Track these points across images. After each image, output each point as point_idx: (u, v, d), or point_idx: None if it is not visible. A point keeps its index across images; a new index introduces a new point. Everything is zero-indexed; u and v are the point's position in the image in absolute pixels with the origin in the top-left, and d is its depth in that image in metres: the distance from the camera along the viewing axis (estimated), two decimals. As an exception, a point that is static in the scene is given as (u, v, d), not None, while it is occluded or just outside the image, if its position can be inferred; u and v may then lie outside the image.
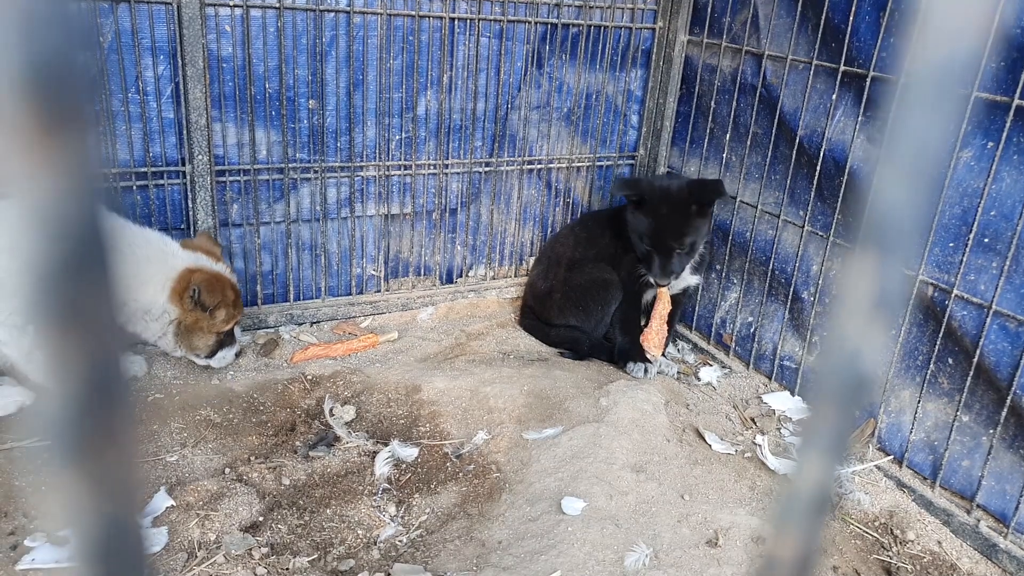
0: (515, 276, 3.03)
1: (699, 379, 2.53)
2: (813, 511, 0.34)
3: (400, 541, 1.73)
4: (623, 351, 2.59)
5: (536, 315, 2.79)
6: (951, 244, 1.95)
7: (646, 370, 2.50)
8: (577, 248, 2.76)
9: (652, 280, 2.50)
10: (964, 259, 1.90)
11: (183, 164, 2.33)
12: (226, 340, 2.29)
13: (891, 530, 1.94)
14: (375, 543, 1.72)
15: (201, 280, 2.15)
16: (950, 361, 1.99)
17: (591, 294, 2.65)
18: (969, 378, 1.91)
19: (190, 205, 2.37)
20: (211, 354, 2.27)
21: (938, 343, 1.99)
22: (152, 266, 2.13)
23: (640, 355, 2.55)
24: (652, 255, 2.46)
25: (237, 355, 2.38)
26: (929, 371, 2.02)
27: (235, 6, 2.25)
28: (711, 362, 2.71)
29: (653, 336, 2.60)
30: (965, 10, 0.28)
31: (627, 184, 2.48)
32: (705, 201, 2.40)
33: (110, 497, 0.27)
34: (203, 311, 2.17)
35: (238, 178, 2.43)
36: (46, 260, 0.23)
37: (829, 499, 0.34)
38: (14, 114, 0.22)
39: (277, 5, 2.29)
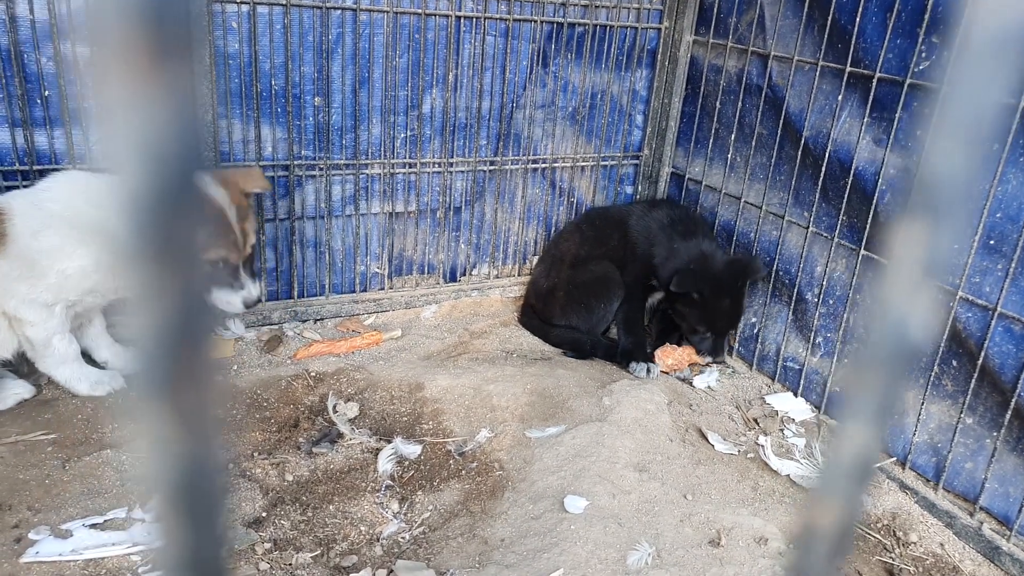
0: (519, 275, 3.03)
1: (693, 386, 2.52)
2: (855, 480, 0.34)
3: (403, 538, 1.74)
4: (626, 351, 2.59)
5: (537, 314, 2.79)
6: (956, 246, 1.95)
7: (649, 370, 2.50)
8: (583, 246, 2.76)
9: (705, 356, 2.58)
10: (969, 261, 1.90)
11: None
12: (220, 277, 1.97)
13: (894, 532, 1.94)
14: (378, 540, 1.72)
15: None
16: (954, 363, 1.99)
17: (594, 292, 2.65)
18: (973, 380, 1.91)
19: (195, 201, 2.37)
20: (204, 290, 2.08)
21: (942, 345, 1.99)
22: (102, 184, 1.98)
23: (643, 355, 2.55)
24: (707, 339, 2.54)
25: (250, 306, 2.04)
26: (933, 373, 2.02)
27: (242, 3, 2.25)
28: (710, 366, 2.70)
29: (678, 356, 2.62)
30: None
31: (686, 282, 2.45)
32: (748, 280, 2.50)
33: (192, 432, 0.27)
34: None
35: (243, 175, 2.43)
36: (145, 189, 0.23)
37: (871, 468, 0.34)
38: (121, 42, 0.22)
39: (284, 2, 2.29)
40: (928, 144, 0.31)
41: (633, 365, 2.52)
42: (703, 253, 2.53)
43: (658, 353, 2.59)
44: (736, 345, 2.69)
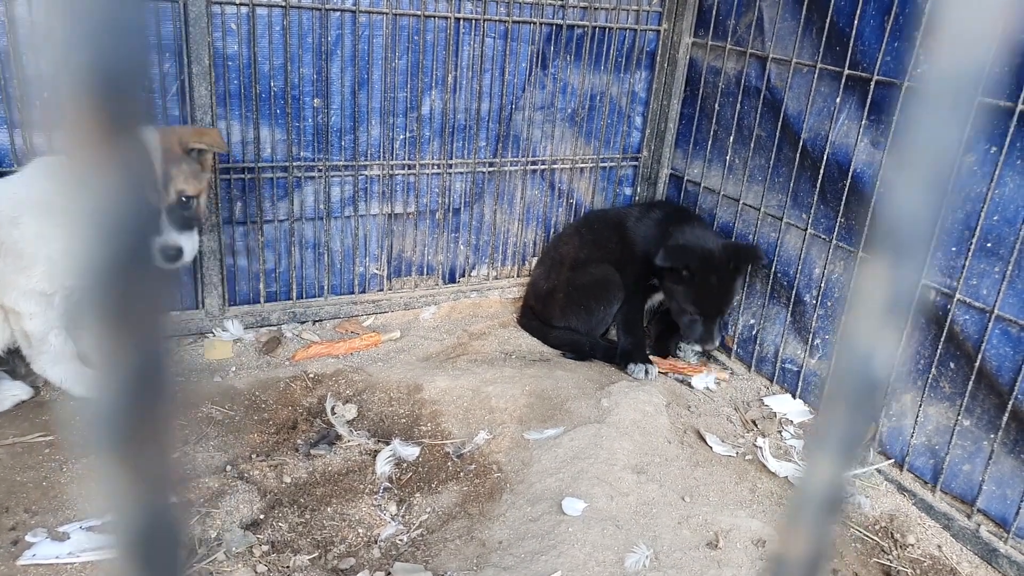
0: (518, 276, 3.03)
1: (691, 387, 2.52)
2: (823, 513, 0.35)
3: (401, 540, 1.74)
4: (625, 352, 2.60)
5: (537, 315, 2.79)
6: (954, 248, 1.95)
7: (647, 371, 2.50)
8: (583, 249, 2.76)
9: (698, 344, 2.57)
10: (967, 264, 1.90)
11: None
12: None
13: (891, 534, 1.94)
14: (376, 542, 1.72)
15: None
16: (952, 365, 1.99)
17: (594, 294, 2.65)
18: (971, 383, 1.91)
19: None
20: None
21: (940, 347, 1.99)
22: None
23: (642, 356, 2.56)
24: (697, 322, 2.50)
25: (168, 257, 1.90)
26: (931, 375, 2.02)
27: (241, 4, 2.25)
28: (707, 367, 2.71)
29: (681, 366, 2.62)
30: (982, 16, 0.28)
31: (674, 254, 2.44)
32: (742, 266, 2.46)
33: (151, 487, 0.28)
34: None
35: (242, 176, 2.44)
36: (99, 257, 0.24)
37: (840, 501, 0.35)
38: (80, 114, 0.22)
39: (283, 4, 2.29)
40: (890, 182, 0.31)
41: (632, 366, 2.52)
42: (696, 235, 2.54)
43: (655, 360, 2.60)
44: (735, 347, 2.70)
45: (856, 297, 0.33)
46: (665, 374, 2.57)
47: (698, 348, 2.69)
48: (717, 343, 2.54)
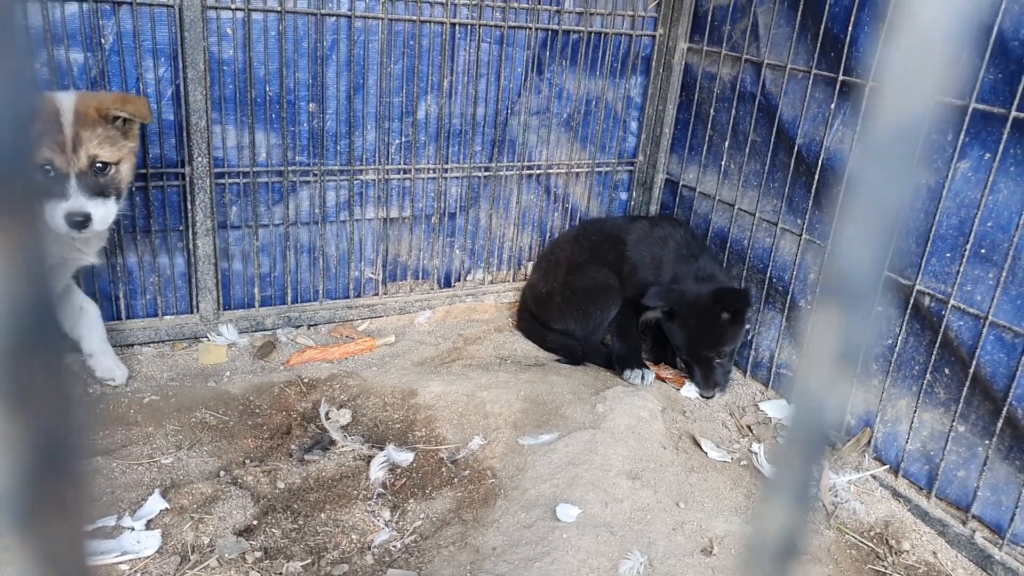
0: (513, 280, 3.03)
1: (681, 394, 2.51)
2: (779, 559, 0.35)
3: (394, 546, 1.73)
4: (621, 357, 2.59)
5: (535, 318, 2.79)
6: (948, 254, 1.95)
7: (643, 377, 2.50)
8: (581, 255, 2.76)
9: (693, 392, 2.49)
10: (961, 270, 1.91)
11: (182, 166, 2.33)
12: (49, 187, 1.80)
13: (886, 540, 1.93)
14: (369, 548, 1.72)
15: None
16: (946, 371, 1.99)
17: (592, 298, 2.65)
18: (965, 389, 1.91)
19: (189, 207, 2.37)
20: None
21: (935, 353, 1.99)
22: None
23: (638, 361, 2.55)
24: (692, 365, 2.46)
25: (75, 224, 1.80)
26: (925, 381, 2.02)
27: (236, 9, 2.25)
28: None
29: (666, 374, 2.60)
30: (921, 72, 0.29)
31: (658, 296, 2.42)
32: (730, 310, 2.37)
33: (57, 572, 0.27)
34: None
35: (237, 180, 2.43)
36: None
37: (796, 548, 0.34)
38: None
39: (279, 9, 2.29)
40: (836, 234, 0.32)
41: (627, 372, 2.52)
42: (694, 275, 2.48)
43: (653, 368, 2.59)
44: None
45: (809, 346, 0.33)
46: (661, 380, 2.57)
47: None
48: (712, 393, 2.44)
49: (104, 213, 1.88)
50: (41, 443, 0.25)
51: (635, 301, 2.60)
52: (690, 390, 2.50)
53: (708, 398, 2.46)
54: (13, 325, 0.24)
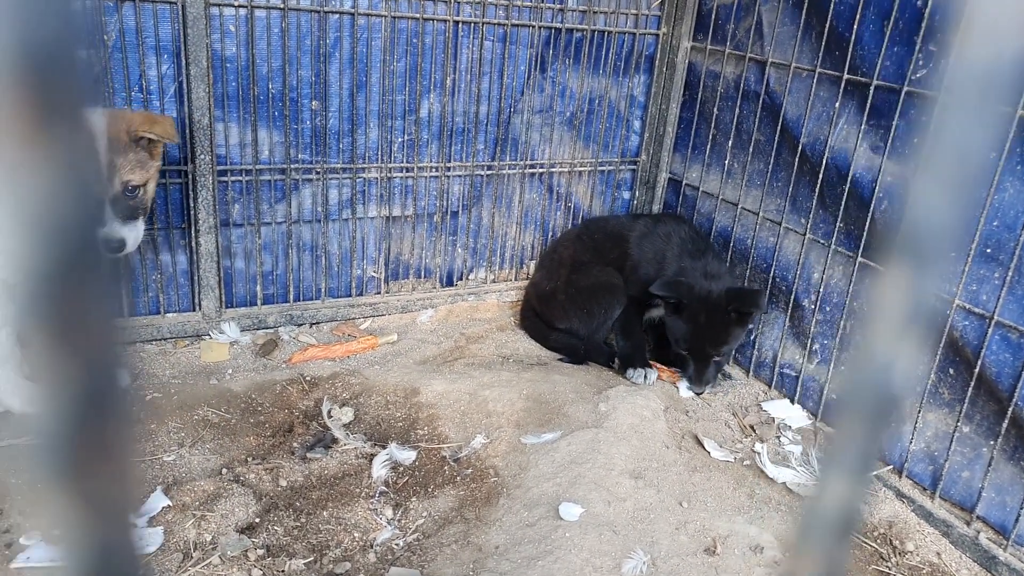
0: (515, 279, 3.02)
1: (677, 388, 2.50)
2: (837, 532, 0.33)
3: (397, 544, 1.72)
4: (624, 356, 2.59)
5: (539, 316, 2.78)
6: (953, 254, 1.94)
7: (646, 376, 2.49)
8: (584, 254, 2.75)
9: (684, 389, 2.48)
10: (966, 269, 1.90)
11: (185, 163, 2.33)
12: None
13: (890, 540, 1.93)
14: (371, 546, 1.71)
15: None
16: (951, 371, 1.98)
17: (596, 297, 2.64)
18: (970, 389, 1.91)
19: (191, 204, 2.37)
20: None
21: (939, 353, 1.98)
22: None
23: (641, 360, 2.54)
24: (688, 360, 2.44)
25: (111, 248, 1.86)
26: (930, 381, 2.01)
27: (239, 6, 2.25)
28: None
29: (667, 371, 2.58)
30: (1009, 17, 0.27)
31: (668, 286, 2.39)
32: (742, 310, 2.35)
33: (104, 518, 0.25)
34: None
35: (240, 178, 2.43)
36: (39, 262, 0.21)
37: (855, 520, 0.33)
38: (6, 102, 0.20)
39: (282, 6, 2.29)
40: (914, 188, 0.30)
41: (631, 371, 2.51)
42: (702, 272, 2.46)
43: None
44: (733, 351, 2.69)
45: (874, 307, 0.31)
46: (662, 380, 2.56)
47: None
48: (703, 390, 2.44)
49: (135, 235, 1.94)
50: (86, 379, 0.24)
51: (639, 300, 2.59)
52: (682, 386, 2.49)
53: (698, 394, 2.46)
54: (57, 247, 0.21)
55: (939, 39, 1.92)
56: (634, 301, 2.62)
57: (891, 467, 2.11)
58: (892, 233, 0.30)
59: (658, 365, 2.60)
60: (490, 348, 2.70)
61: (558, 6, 2.70)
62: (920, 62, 1.97)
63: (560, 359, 2.66)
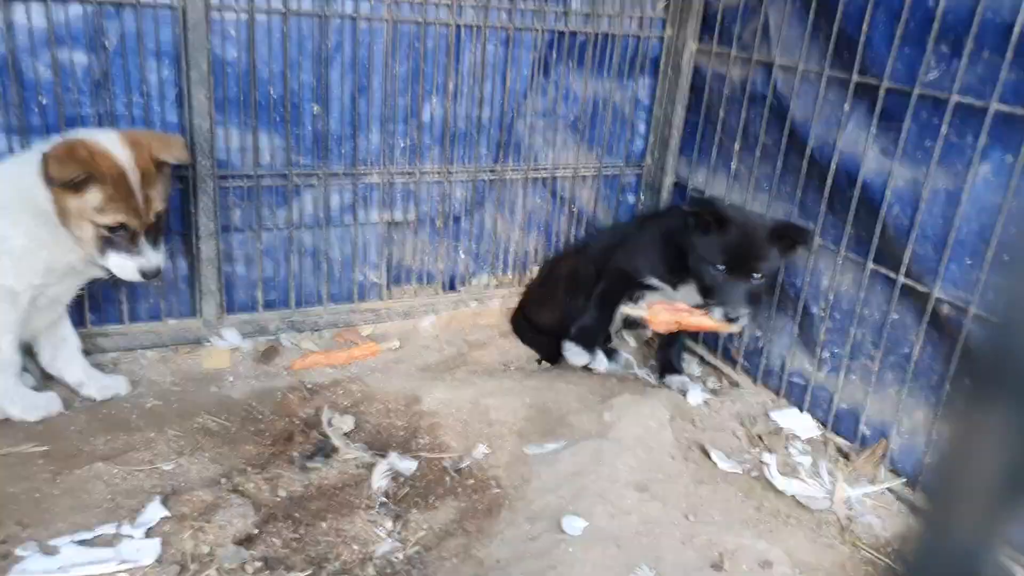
0: (519, 285, 2.99)
1: (685, 397, 2.46)
2: None
3: (396, 558, 1.69)
4: (583, 329, 2.45)
5: (523, 313, 2.80)
6: (968, 261, 1.89)
7: (591, 358, 2.43)
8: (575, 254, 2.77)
9: (717, 316, 2.16)
10: (982, 277, 1.85)
11: (185, 168, 2.31)
12: (118, 242, 1.88)
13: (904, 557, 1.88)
14: (371, 559, 1.68)
15: (56, 148, 1.78)
16: (967, 382, 1.93)
17: (564, 285, 2.63)
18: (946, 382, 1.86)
19: (192, 210, 2.35)
20: (100, 252, 1.89)
21: (954, 363, 1.94)
22: (27, 159, 1.87)
23: (592, 342, 2.46)
24: (722, 283, 2.16)
25: (148, 276, 1.94)
26: (944, 391, 1.96)
27: (240, 11, 2.22)
28: (699, 379, 2.65)
29: (673, 314, 2.22)
30: None
31: (701, 202, 2.25)
32: (785, 239, 2.18)
33: None
34: (65, 189, 1.80)
35: (241, 183, 2.41)
36: None
37: None
38: None
39: (283, 10, 2.27)
40: (1006, 296, 0.21)
41: (570, 345, 2.43)
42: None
43: (657, 306, 2.25)
44: (740, 359, 2.64)
45: (957, 462, 0.21)
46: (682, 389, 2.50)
47: (691, 386, 2.50)
48: (742, 314, 2.14)
49: (164, 258, 2.03)
50: None
51: (626, 278, 2.43)
52: (696, 395, 2.45)
53: (734, 320, 2.15)
54: None
55: (951, 40, 1.88)
56: (622, 278, 2.45)
57: (904, 480, 2.06)
58: (995, 362, 0.21)
59: (677, 304, 2.27)
60: (493, 355, 2.66)
61: (561, 9, 2.67)
62: (932, 63, 1.93)
63: (538, 361, 2.66)
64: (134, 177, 1.87)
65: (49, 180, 1.79)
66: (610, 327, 2.60)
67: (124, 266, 1.91)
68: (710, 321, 2.19)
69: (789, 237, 2.19)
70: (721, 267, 2.16)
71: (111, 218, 1.85)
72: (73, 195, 1.83)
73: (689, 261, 2.27)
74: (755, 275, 2.17)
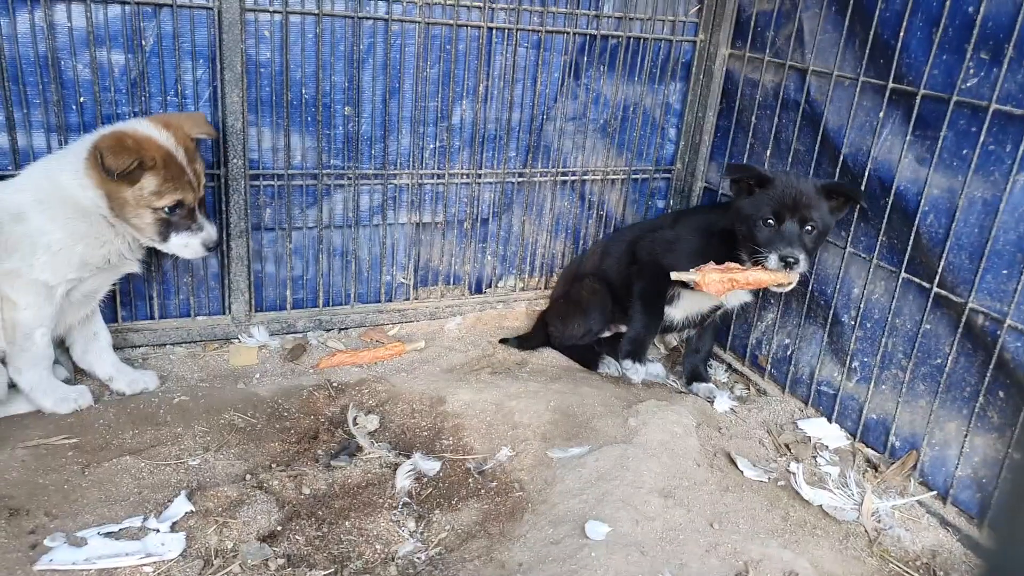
0: (545, 288, 2.98)
1: (712, 404, 2.43)
2: None
3: (418, 558, 1.69)
4: (634, 341, 2.42)
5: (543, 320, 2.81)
6: (1005, 271, 1.85)
7: (642, 372, 2.40)
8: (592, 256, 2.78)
9: (772, 263, 2.06)
10: (1019, 288, 1.80)
11: (218, 167, 2.34)
12: (177, 222, 1.97)
13: (933, 571, 1.84)
14: (393, 559, 1.68)
15: (103, 141, 1.84)
16: (1001, 394, 1.89)
17: (574, 310, 2.65)
18: (1022, 414, 1.81)
19: (223, 208, 2.38)
20: (162, 237, 1.98)
21: (988, 375, 1.89)
22: (64, 157, 1.94)
23: (643, 354, 2.43)
24: (774, 233, 2.07)
25: (211, 248, 2.06)
26: (978, 404, 1.92)
27: (275, 12, 2.25)
28: (726, 386, 2.62)
29: (725, 275, 2.12)
30: None
31: (739, 168, 2.22)
32: (835, 195, 2.12)
33: None
34: (120, 180, 1.86)
35: (272, 183, 2.43)
36: None
37: None
38: None
39: (316, 11, 2.29)
40: None
41: (628, 364, 2.40)
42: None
43: (706, 267, 2.15)
44: (768, 367, 2.61)
45: None
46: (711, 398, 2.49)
47: (718, 394, 2.46)
48: (798, 257, 2.04)
49: (216, 228, 2.12)
50: None
51: (664, 275, 2.25)
52: (723, 403, 2.41)
53: (792, 265, 2.04)
54: None
55: (992, 47, 1.84)
56: (657, 274, 2.35)
57: (935, 492, 2.02)
58: None
59: (728, 264, 2.16)
60: (517, 357, 2.66)
61: (593, 12, 2.66)
62: (971, 71, 1.89)
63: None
64: (180, 156, 1.96)
65: (107, 172, 1.84)
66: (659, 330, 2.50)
67: (188, 244, 2.02)
68: (766, 274, 2.10)
69: (840, 194, 2.14)
70: (771, 220, 2.10)
71: (169, 198, 1.95)
72: (128, 186, 1.90)
73: (736, 229, 2.19)
74: (807, 224, 2.09)
